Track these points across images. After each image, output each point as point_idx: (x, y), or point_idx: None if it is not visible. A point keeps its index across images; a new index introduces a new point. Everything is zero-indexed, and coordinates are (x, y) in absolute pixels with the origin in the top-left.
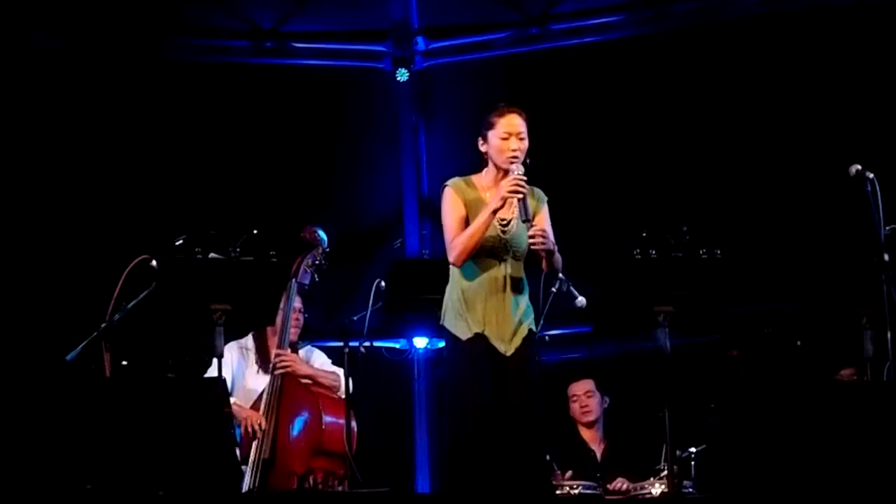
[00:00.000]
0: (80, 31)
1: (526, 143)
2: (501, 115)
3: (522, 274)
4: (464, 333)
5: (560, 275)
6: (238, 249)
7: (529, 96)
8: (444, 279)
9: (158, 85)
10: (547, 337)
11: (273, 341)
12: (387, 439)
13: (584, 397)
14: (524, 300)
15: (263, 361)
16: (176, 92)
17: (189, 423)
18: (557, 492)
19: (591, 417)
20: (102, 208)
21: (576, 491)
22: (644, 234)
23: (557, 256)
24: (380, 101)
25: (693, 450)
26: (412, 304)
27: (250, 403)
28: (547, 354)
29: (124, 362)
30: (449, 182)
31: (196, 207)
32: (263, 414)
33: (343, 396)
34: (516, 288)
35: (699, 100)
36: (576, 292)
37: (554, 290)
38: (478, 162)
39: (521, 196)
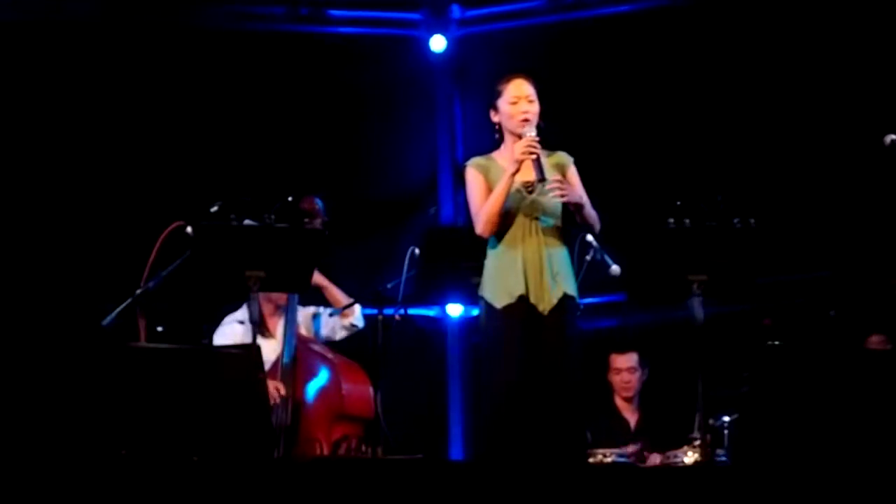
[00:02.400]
0: None
1: (537, 106)
2: (508, 80)
3: (558, 235)
4: (500, 301)
5: (594, 243)
6: (273, 216)
7: (566, 65)
8: (478, 247)
9: (192, 53)
10: (581, 305)
11: (267, 307)
12: (420, 407)
13: (627, 373)
14: (560, 262)
15: (262, 328)
16: (210, 60)
17: (223, 388)
18: (591, 460)
19: (630, 393)
20: (138, 175)
21: (609, 459)
22: (678, 203)
23: (591, 211)
24: (415, 69)
25: (726, 419)
26: (447, 271)
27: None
28: (581, 322)
29: (159, 328)
30: (469, 162)
31: (231, 175)
32: (280, 381)
33: (355, 324)
34: (550, 248)
35: (735, 68)
36: (610, 261)
37: (588, 258)
38: None
39: (534, 157)
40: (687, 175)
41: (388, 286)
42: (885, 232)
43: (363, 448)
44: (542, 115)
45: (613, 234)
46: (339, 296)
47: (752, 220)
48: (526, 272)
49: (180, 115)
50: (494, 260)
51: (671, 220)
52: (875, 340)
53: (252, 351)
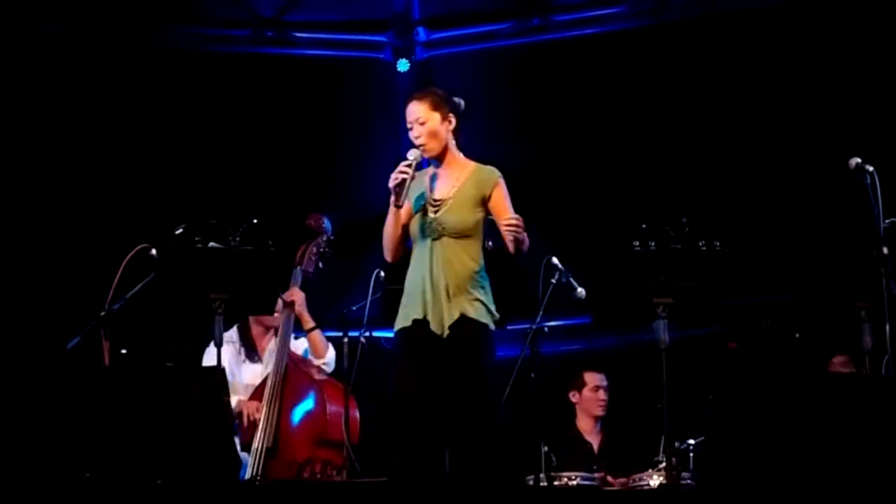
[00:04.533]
0: (80, 19)
1: (427, 126)
2: (405, 107)
3: (464, 253)
4: (398, 324)
5: (560, 266)
6: (238, 239)
7: (530, 87)
8: None
9: (158, 73)
10: (546, 328)
11: (256, 329)
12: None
13: (603, 391)
14: (463, 281)
15: (250, 351)
16: (176, 81)
17: (187, 411)
18: (556, 483)
19: (603, 412)
20: (102, 197)
21: (574, 482)
22: (643, 226)
23: (525, 240)
24: (381, 91)
25: (691, 441)
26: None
27: (249, 396)
28: (546, 346)
29: (123, 351)
30: None
31: (196, 197)
32: (266, 402)
33: (325, 368)
34: (452, 268)
35: (699, 92)
36: (575, 283)
37: (553, 280)
38: (479, 151)
39: (395, 182)
40: (652, 198)
41: (354, 308)
42: (849, 254)
43: (328, 471)
44: (508, 136)
45: (579, 256)
46: (318, 338)
47: (718, 243)
48: (425, 294)
49: (145, 136)
50: (406, 282)
51: (636, 243)
52: (838, 361)
53: (216, 373)
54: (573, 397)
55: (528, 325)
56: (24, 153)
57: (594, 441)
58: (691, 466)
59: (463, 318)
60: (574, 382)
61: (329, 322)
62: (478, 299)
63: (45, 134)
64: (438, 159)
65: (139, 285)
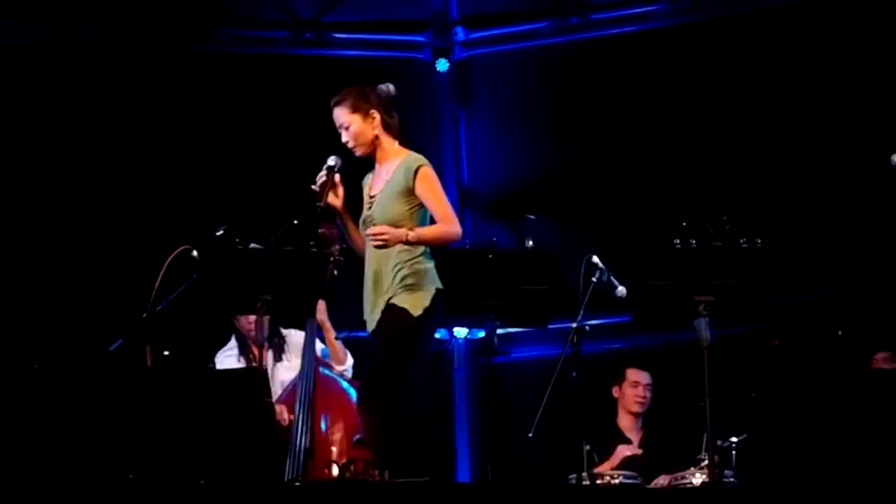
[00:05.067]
0: (120, 24)
1: (351, 130)
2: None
3: (398, 246)
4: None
5: (601, 264)
6: (279, 240)
7: (569, 86)
8: (484, 269)
9: (199, 76)
10: (587, 327)
11: (242, 322)
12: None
13: (644, 388)
14: (390, 273)
15: (242, 348)
16: (216, 83)
17: (230, 412)
18: (598, 481)
19: (644, 408)
20: (144, 199)
21: (616, 481)
22: (684, 224)
23: (428, 234)
24: (419, 91)
25: (734, 439)
26: (452, 293)
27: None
28: (587, 345)
29: (166, 353)
30: None
31: (236, 198)
32: (300, 405)
33: (346, 375)
34: (382, 262)
35: (740, 88)
36: (616, 282)
37: (594, 279)
38: (518, 150)
39: (316, 186)
40: (693, 195)
41: None
42: (891, 250)
43: (370, 472)
44: (547, 134)
45: (620, 254)
46: (338, 346)
47: (759, 241)
48: (366, 292)
49: (186, 139)
50: None
51: (677, 241)
52: (881, 358)
53: (258, 374)
54: (615, 392)
55: (569, 324)
56: (67, 159)
57: (635, 439)
58: (734, 464)
59: (388, 307)
60: (617, 378)
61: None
62: (407, 287)
63: (90, 138)
64: (374, 156)
65: (181, 287)
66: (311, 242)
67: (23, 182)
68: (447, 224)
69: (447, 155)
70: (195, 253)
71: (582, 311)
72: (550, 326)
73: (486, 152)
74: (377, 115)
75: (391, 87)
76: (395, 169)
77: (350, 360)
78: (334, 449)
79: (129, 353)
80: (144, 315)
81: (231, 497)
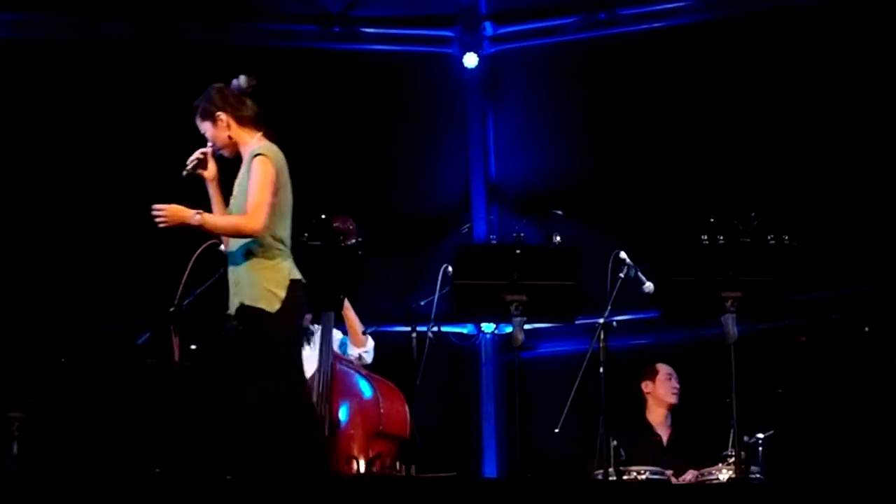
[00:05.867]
0: (149, 18)
1: (208, 136)
2: None
3: (240, 243)
4: None
5: (628, 260)
6: (306, 234)
7: (598, 82)
8: (511, 265)
9: (226, 71)
10: (615, 322)
11: None
12: (454, 424)
13: (676, 380)
14: (239, 273)
15: None
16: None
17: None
18: (625, 476)
19: (677, 399)
20: (172, 193)
21: (643, 476)
22: (712, 220)
23: (220, 223)
24: (448, 86)
25: (761, 436)
26: (479, 288)
27: None
28: (614, 340)
29: (193, 346)
30: None
31: None
32: (317, 398)
33: (365, 357)
34: (233, 260)
35: (768, 84)
36: (643, 278)
37: (622, 275)
38: (546, 146)
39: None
40: (721, 192)
41: (422, 304)
42: None
43: (397, 466)
44: (575, 130)
45: (647, 251)
46: (356, 325)
47: (786, 237)
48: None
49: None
50: None
51: (705, 237)
52: None
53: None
54: (646, 388)
55: (596, 320)
56: (96, 150)
57: (664, 434)
58: (760, 460)
59: (241, 307)
60: (647, 372)
61: (396, 317)
62: (256, 283)
63: (116, 131)
64: (238, 156)
65: (209, 281)
66: (340, 237)
67: (52, 175)
68: (247, 218)
69: (475, 150)
70: (223, 247)
71: (609, 307)
72: (578, 322)
73: (515, 148)
74: (224, 117)
75: (243, 79)
76: (245, 160)
77: (371, 343)
78: (354, 444)
79: (157, 346)
80: (172, 309)
81: (257, 494)
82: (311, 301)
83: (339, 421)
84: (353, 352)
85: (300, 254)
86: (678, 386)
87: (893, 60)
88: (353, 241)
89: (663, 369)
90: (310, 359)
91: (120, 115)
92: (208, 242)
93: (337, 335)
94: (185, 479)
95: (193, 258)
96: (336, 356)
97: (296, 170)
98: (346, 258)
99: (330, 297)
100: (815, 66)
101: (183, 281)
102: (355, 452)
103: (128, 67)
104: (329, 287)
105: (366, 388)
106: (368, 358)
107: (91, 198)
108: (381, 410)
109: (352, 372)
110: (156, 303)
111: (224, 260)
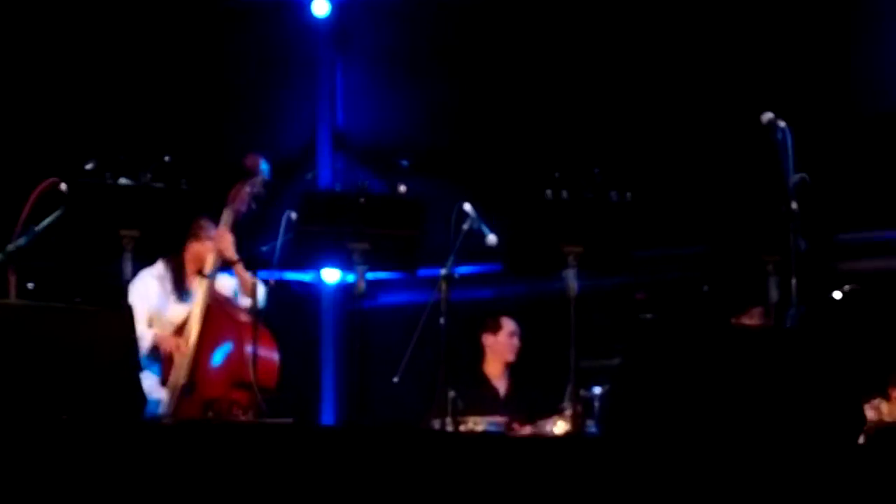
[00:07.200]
0: None
1: None
2: None
3: None
4: None
5: (472, 212)
6: (149, 176)
7: (447, 34)
8: (355, 212)
9: (71, 7)
10: (457, 274)
11: (191, 268)
12: (294, 373)
13: (517, 337)
14: None
15: (179, 289)
16: (89, 15)
17: (93, 348)
18: (461, 427)
19: (515, 357)
20: (11, 130)
21: (480, 427)
22: (556, 175)
23: None
24: (297, 35)
25: (597, 390)
26: (323, 236)
27: (172, 333)
28: (456, 292)
29: (30, 285)
30: None
31: (107, 132)
32: (185, 339)
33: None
34: None
35: (613, 39)
36: (487, 230)
37: (465, 227)
38: (395, 97)
39: None
40: (565, 147)
41: (264, 249)
42: (758, 208)
43: (234, 410)
44: (425, 82)
45: (491, 203)
46: (245, 275)
47: (629, 194)
48: None
49: (55, 70)
50: None
51: (548, 192)
52: (757, 312)
53: (125, 311)
54: (486, 340)
55: (438, 271)
56: None
57: (501, 387)
58: (596, 415)
59: None
60: (489, 324)
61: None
62: None
63: None
64: None
65: (48, 220)
66: (183, 181)
67: None
68: None
69: (322, 99)
70: (63, 186)
71: (452, 259)
72: (421, 274)
73: (363, 99)
74: None
75: None
76: None
77: (261, 289)
78: (214, 387)
79: None
80: (9, 247)
81: (91, 434)
82: (151, 243)
83: (204, 363)
84: (244, 301)
85: (142, 195)
86: (519, 344)
87: (738, 20)
88: (259, 179)
89: (507, 325)
90: (180, 309)
91: None
92: (49, 181)
93: (230, 283)
94: (19, 420)
95: (33, 196)
96: (216, 297)
97: (140, 111)
98: (187, 203)
99: (169, 240)
100: (659, 22)
101: (22, 219)
102: (214, 397)
103: None
104: (169, 230)
105: (234, 333)
106: (260, 305)
107: None
108: (245, 358)
109: (226, 314)
110: None
111: (64, 199)
